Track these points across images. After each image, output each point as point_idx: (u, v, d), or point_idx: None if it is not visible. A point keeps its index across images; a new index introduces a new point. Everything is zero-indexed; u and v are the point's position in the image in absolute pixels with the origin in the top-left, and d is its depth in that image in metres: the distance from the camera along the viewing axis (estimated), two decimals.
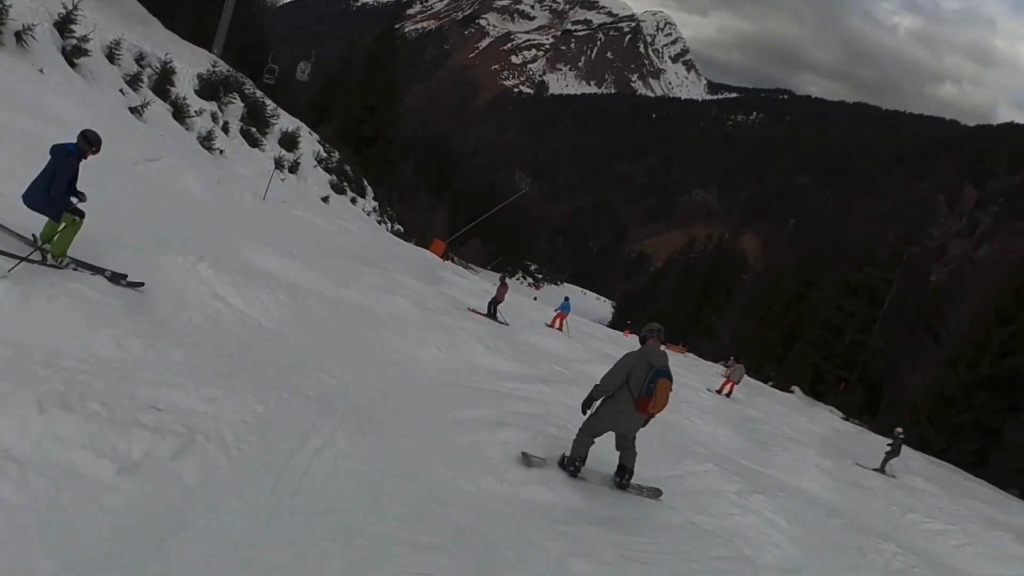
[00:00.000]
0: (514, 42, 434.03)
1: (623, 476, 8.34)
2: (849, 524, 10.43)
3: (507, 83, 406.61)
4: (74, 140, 7.88)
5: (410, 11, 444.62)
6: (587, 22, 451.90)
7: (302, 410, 7.03)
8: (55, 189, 7.69)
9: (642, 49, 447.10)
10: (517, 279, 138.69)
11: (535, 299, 73.26)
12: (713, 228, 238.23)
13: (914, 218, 57.97)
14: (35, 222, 7.93)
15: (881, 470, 20.10)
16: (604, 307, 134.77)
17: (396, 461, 6.98)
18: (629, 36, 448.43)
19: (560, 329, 28.33)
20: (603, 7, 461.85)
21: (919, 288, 54.25)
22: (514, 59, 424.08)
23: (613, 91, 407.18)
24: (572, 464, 8.08)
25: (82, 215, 8.01)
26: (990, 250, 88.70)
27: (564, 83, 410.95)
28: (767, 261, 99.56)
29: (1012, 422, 34.55)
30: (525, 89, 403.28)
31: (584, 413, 8.05)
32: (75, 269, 8.02)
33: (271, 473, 5.72)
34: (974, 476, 29.74)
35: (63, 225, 7.84)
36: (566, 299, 31.57)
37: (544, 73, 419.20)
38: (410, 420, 8.46)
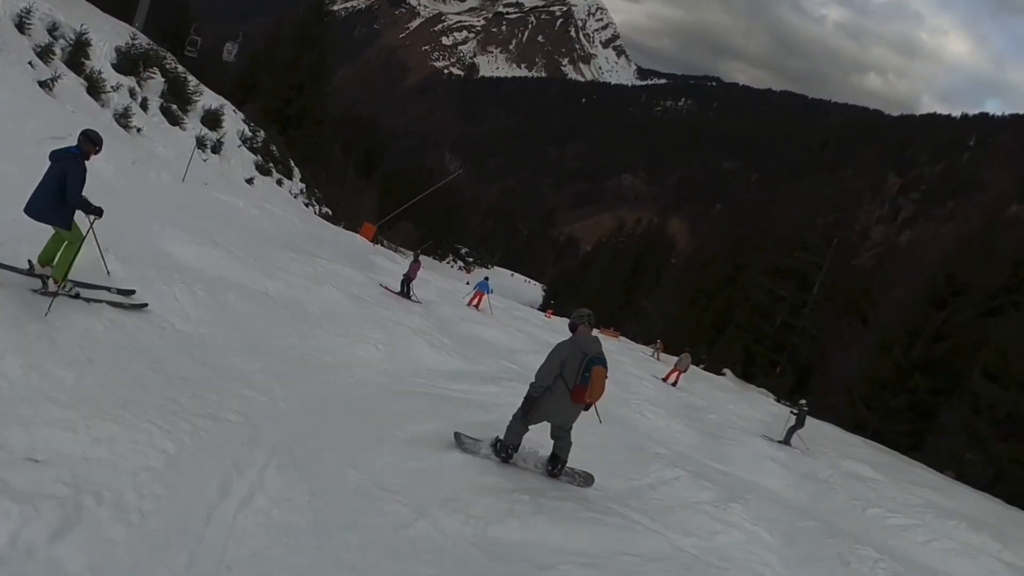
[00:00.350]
0: (445, 23, 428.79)
1: (555, 465, 8.11)
2: (822, 527, 10.27)
3: (437, 64, 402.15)
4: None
5: None
6: (519, 5, 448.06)
7: (222, 443, 5.80)
8: (72, 193, 7.43)
9: (573, 33, 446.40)
10: (448, 263, 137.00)
11: (467, 283, 70.97)
12: (641, 212, 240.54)
13: (842, 204, 58.40)
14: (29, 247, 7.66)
15: (786, 442, 20.15)
16: (534, 290, 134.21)
17: (341, 504, 5.82)
18: (560, 20, 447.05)
19: (478, 307, 28.11)
20: None
21: (847, 272, 54.71)
22: (445, 40, 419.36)
23: (544, 75, 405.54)
24: (505, 450, 7.95)
25: (100, 212, 7.94)
26: (911, 236, 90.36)
27: (495, 66, 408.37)
28: (695, 245, 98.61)
29: (946, 405, 34.71)
30: (455, 71, 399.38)
31: (526, 415, 7.75)
32: (76, 295, 7.64)
33: (185, 543, 4.43)
34: (910, 458, 30.01)
35: (65, 243, 7.63)
36: (485, 279, 31.19)
37: (475, 55, 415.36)
38: (354, 443, 7.32)
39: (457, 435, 8.03)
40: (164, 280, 8.87)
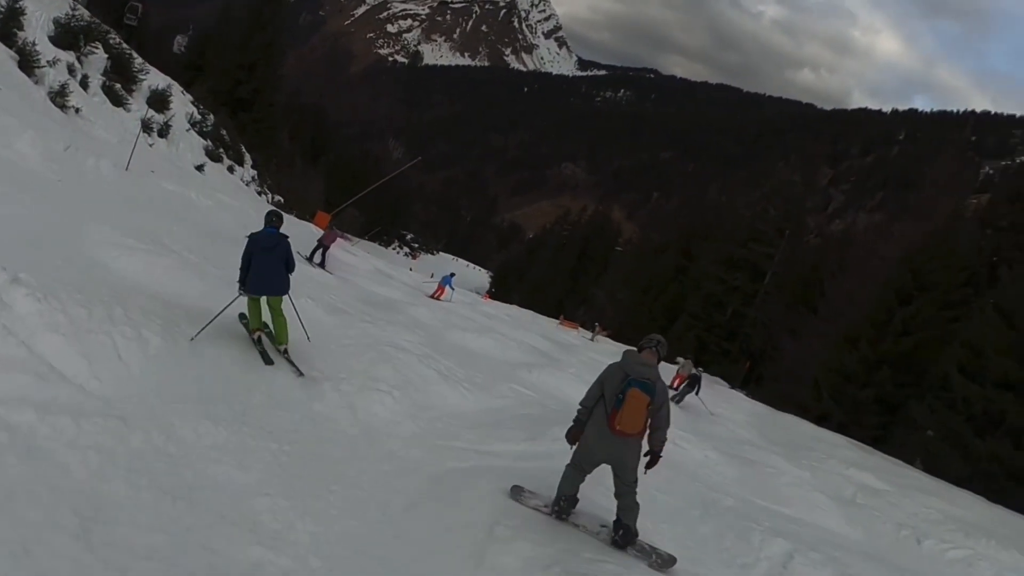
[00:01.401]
0: (390, 11, 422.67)
1: (618, 532, 6.61)
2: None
3: (382, 52, 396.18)
4: (261, 224, 9.01)
5: None
6: None
7: None
8: (293, 265, 8.94)
9: (516, 24, 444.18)
10: (394, 249, 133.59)
11: (411, 269, 69.82)
12: (581, 200, 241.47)
13: (792, 196, 57.75)
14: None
15: (677, 402, 20.28)
16: (479, 276, 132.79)
17: None
18: (504, 10, 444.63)
19: (439, 299, 28.02)
20: None
21: (796, 263, 54.14)
22: (390, 28, 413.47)
23: (487, 64, 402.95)
24: (557, 504, 6.73)
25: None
26: (841, 225, 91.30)
27: (439, 54, 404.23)
28: (642, 233, 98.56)
29: (913, 399, 33.99)
30: (400, 59, 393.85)
31: (572, 448, 6.72)
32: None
33: None
34: (876, 449, 29.62)
35: (276, 314, 8.77)
36: (451, 275, 31.51)
37: (419, 43, 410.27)
38: None
39: (515, 488, 6.96)
40: (98, 319, 6.11)
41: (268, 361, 8.27)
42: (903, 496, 17.28)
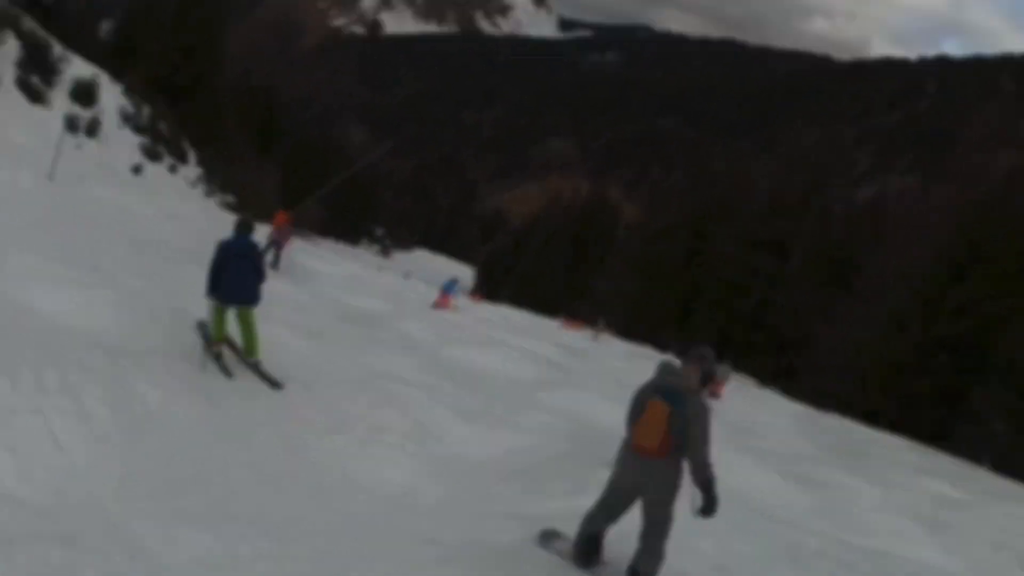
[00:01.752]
0: None
1: None
2: None
3: (337, 23, 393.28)
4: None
5: None
6: None
7: None
8: (264, 274, 9.72)
9: None
10: (363, 246, 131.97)
11: (379, 269, 67.28)
12: (571, 180, 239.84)
13: (819, 163, 57.22)
14: None
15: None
16: (462, 273, 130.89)
17: None
18: None
19: (447, 307, 28.03)
20: None
21: (827, 240, 52.89)
22: None
23: (456, 30, 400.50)
24: (575, 545, 6.39)
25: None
26: (872, 192, 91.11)
27: (401, 22, 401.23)
28: (647, 214, 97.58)
29: (977, 387, 33.24)
30: (357, 29, 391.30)
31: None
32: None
33: None
34: (938, 450, 28.36)
35: (245, 323, 9.45)
36: (453, 280, 31.57)
37: (378, 11, 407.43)
38: None
39: (544, 532, 6.65)
40: (24, 394, 5.27)
41: (228, 375, 8.69)
42: (985, 506, 16.69)
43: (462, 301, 40.37)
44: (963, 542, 12.55)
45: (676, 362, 6.37)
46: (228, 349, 9.05)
